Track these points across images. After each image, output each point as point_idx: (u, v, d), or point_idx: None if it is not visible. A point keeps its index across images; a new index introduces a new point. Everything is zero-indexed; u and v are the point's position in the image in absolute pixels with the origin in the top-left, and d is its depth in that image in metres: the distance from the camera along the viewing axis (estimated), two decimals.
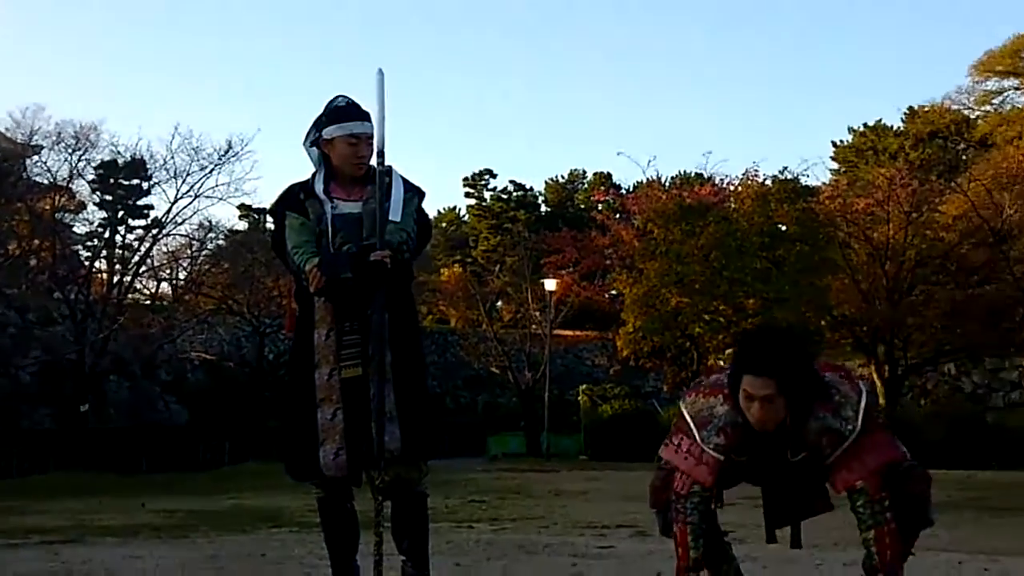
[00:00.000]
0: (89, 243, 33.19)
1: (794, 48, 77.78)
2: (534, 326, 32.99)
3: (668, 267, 23.69)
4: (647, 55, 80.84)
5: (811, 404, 2.98)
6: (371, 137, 3.42)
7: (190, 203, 28.54)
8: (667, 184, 30.61)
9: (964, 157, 38.56)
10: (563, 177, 56.71)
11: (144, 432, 28.63)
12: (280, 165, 47.16)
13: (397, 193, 3.40)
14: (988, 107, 38.67)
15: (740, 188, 25.39)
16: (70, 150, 27.77)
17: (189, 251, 31.04)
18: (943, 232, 25.64)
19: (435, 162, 70.47)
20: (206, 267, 31.74)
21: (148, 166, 31.45)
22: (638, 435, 25.19)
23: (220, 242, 32.52)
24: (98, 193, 32.72)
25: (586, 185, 55.11)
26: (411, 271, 3.54)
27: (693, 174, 34.14)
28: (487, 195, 54.38)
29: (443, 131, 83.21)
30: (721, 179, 27.32)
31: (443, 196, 72.17)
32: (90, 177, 30.91)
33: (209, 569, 4.51)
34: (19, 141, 28.11)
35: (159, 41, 75.13)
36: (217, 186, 28.48)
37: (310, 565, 4.49)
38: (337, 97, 3.49)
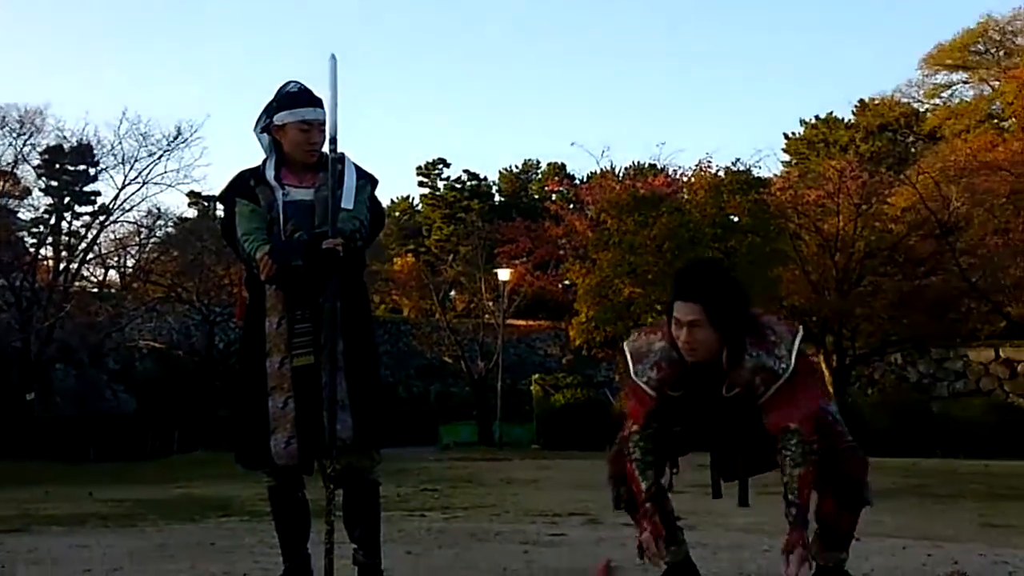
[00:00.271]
0: (35, 229, 32.56)
1: (747, 40, 78.60)
2: (487, 316, 33.01)
3: (621, 257, 23.82)
4: (601, 46, 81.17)
5: (745, 342, 3.00)
6: (323, 124, 3.39)
7: (138, 190, 28.19)
8: (621, 175, 30.77)
9: (913, 150, 39.27)
10: (517, 167, 56.77)
11: (91, 421, 28.20)
12: (230, 152, 46.60)
13: (350, 181, 3.38)
14: (937, 100, 39.39)
15: (693, 179, 25.61)
16: (14, 135, 27.27)
17: (137, 238, 30.62)
18: (891, 224, 26.12)
19: (388, 150, 70.14)
20: (155, 255, 31.31)
21: (95, 152, 30.96)
22: (590, 424, 25.39)
23: (169, 229, 32.12)
24: (43, 179, 32.09)
25: (540, 175, 55.21)
26: (364, 259, 3.52)
27: (647, 165, 34.39)
28: (441, 184, 54.23)
29: (397, 119, 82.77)
30: (674, 170, 27.52)
31: (396, 185, 71.84)
32: (35, 162, 30.36)
33: (158, 558, 4.46)
34: None
35: (106, 24, 73.66)
36: (166, 172, 28.17)
37: (260, 554, 4.47)
38: (288, 83, 3.45)
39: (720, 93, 79.80)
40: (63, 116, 66.47)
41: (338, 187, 3.33)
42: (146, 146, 27.73)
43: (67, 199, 33.15)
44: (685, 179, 26.37)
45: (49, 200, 32.93)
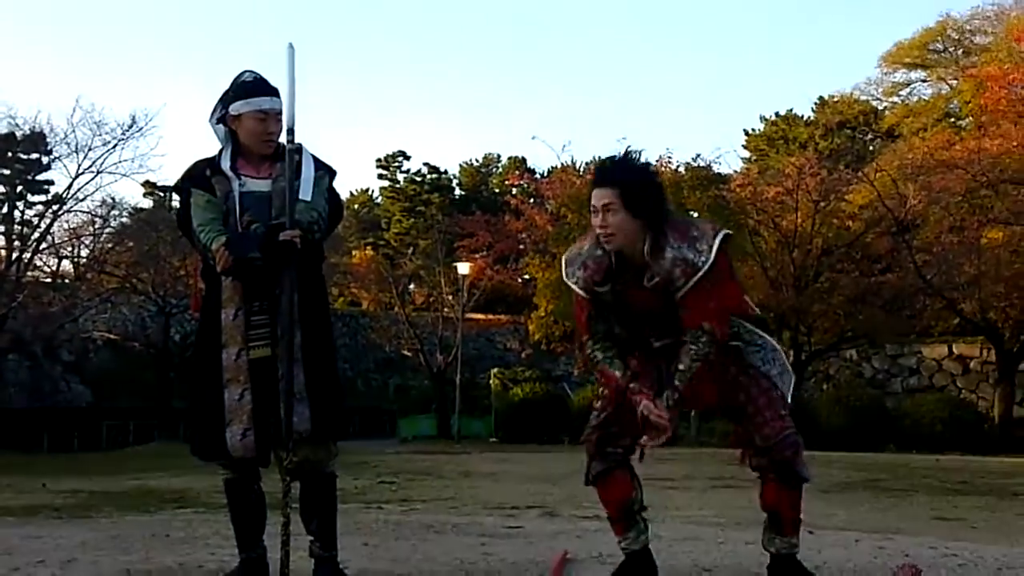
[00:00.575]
0: None
1: (709, 36, 79.20)
2: (446, 309, 32.99)
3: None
4: (561, 41, 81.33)
5: (667, 234, 3.07)
6: (280, 113, 3.35)
7: (92, 179, 27.77)
8: (581, 169, 30.86)
9: (871, 148, 39.76)
10: (478, 161, 56.71)
11: (45, 413, 27.80)
12: (186, 142, 46.06)
13: (307, 172, 3.35)
14: (896, 98, 39.95)
15: None
16: None
17: (92, 228, 30.16)
18: (849, 221, 26.47)
19: (348, 142, 69.73)
20: (109, 245, 30.86)
21: (48, 140, 30.38)
22: (548, 418, 25.46)
23: (124, 220, 31.69)
24: None
25: (500, 169, 55.19)
26: (321, 251, 3.50)
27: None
28: (400, 177, 53.99)
29: (356, 111, 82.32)
30: None
31: (356, 177, 71.53)
32: None
33: (112, 549, 4.41)
34: None
35: (58, 10, 72.33)
36: (121, 162, 27.76)
37: (216, 546, 4.43)
38: (244, 72, 3.41)
39: (681, 89, 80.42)
40: (14, 103, 65.15)
41: (296, 178, 3.30)
42: (100, 135, 27.35)
43: (19, 188, 32.54)
44: None
45: (1, 188, 32.31)
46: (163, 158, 49.39)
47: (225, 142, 3.41)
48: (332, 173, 3.49)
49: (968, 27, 36.39)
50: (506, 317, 35.34)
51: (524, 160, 53.01)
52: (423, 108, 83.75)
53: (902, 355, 28.18)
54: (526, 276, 30.45)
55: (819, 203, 25.15)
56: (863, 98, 41.41)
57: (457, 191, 54.57)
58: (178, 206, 3.54)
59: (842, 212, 26.41)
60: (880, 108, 41.12)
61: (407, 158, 54.31)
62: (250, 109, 3.34)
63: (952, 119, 35.01)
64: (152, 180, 34.92)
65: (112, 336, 31.87)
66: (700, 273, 3.04)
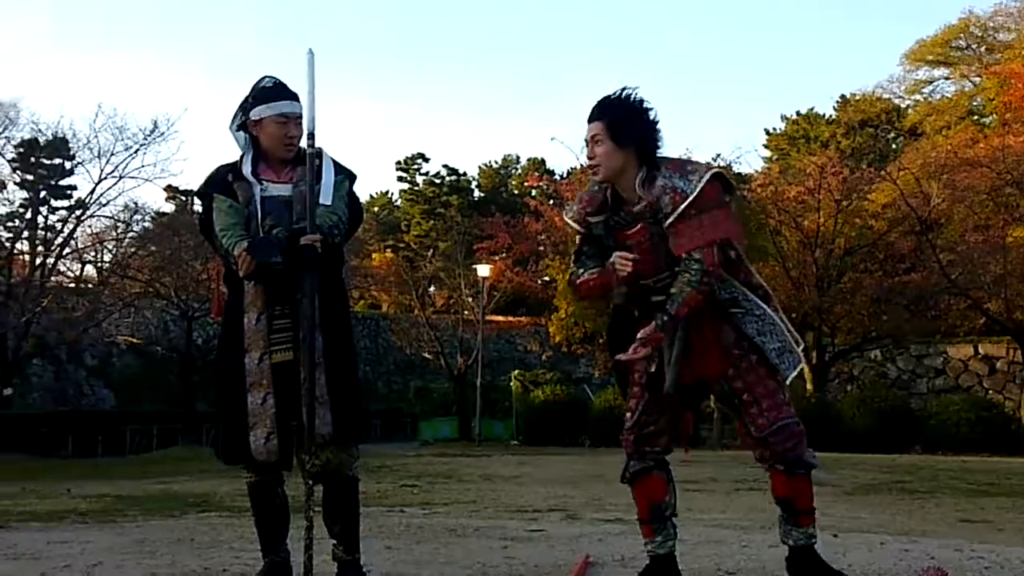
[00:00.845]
0: (10, 224, 32.22)
1: (728, 36, 78.88)
2: (467, 312, 33.01)
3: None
4: (579, 40, 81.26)
5: (661, 167, 3.12)
6: (300, 117, 3.37)
7: (115, 184, 28.01)
8: None
9: (894, 146, 39.51)
10: (496, 162, 56.73)
11: (69, 416, 28.02)
12: (207, 147, 46.38)
13: (328, 176, 3.36)
14: (918, 96, 39.64)
15: None
16: None
17: (114, 233, 30.43)
18: (872, 220, 26.26)
19: (367, 145, 69.94)
20: (132, 250, 31.11)
21: (71, 145, 30.70)
22: (570, 421, 25.41)
23: (147, 224, 31.96)
24: (19, 172, 31.77)
25: (519, 170, 55.21)
26: (342, 255, 3.51)
27: None
28: (420, 179, 54.09)
29: (376, 114, 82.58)
30: None
31: (375, 180, 71.78)
32: (10, 156, 30.10)
33: (137, 553, 4.44)
34: None
35: (81, 17, 72.98)
36: (143, 167, 28.00)
37: (240, 549, 4.45)
38: (264, 78, 3.43)
39: (701, 89, 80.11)
40: (37, 109, 65.97)
41: (316, 182, 3.32)
42: (122, 140, 27.59)
43: (43, 193, 32.85)
44: None
45: (24, 194, 32.63)
46: (184, 163, 49.85)
47: (246, 148, 3.44)
48: (352, 177, 3.50)
49: (991, 24, 36.08)
50: (526, 319, 35.32)
51: (543, 161, 53.00)
52: (441, 110, 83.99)
53: (927, 355, 27.94)
54: (546, 278, 30.40)
55: (841, 202, 24.97)
56: (885, 96, 41.15)
57: (476, 193, 54.62)
58: (200, 211, 3.57)
59: (865, 211, 26.21)
60: (903, 106, 40.84)
61: (426, 160, 54.45)
62: (271, 113, 3.36)
63: (975, 117, 34.72)
64: (174, 184, 35.26)
65: (135, 340, 32.11)
66: (688, 200, 3.04)
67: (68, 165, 31.95)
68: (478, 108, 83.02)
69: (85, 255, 31.26)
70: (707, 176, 3.09)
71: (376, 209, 53.37)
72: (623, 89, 3.20)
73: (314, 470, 3.30)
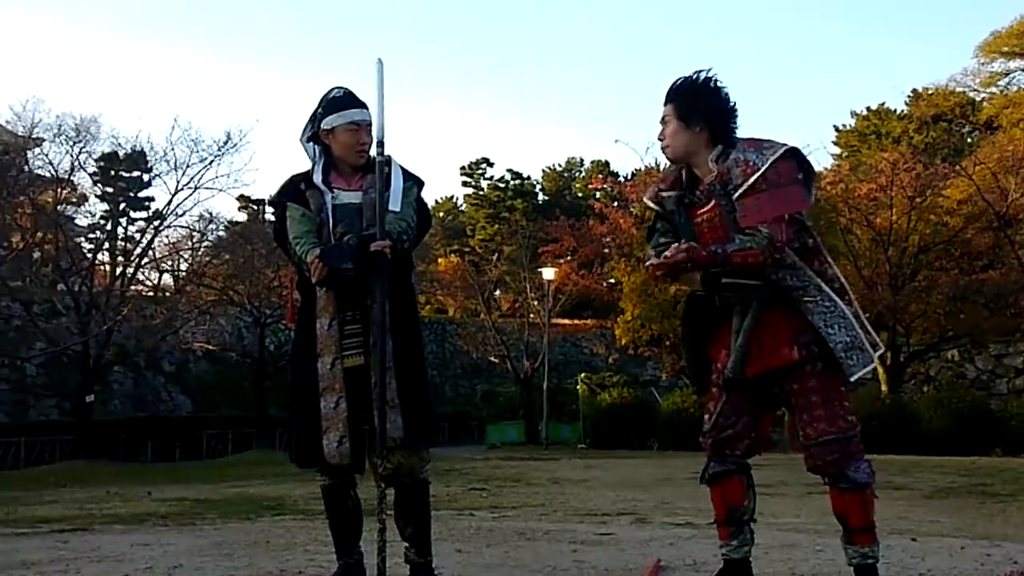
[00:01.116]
0: (91, 235, 33.30)
1: (795, 30, 77.67)
2: (532, 315, 33.02)
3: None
4: (642, 39, 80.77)
5: (738, 145, 3.11)
6: (371, 125, 3.44)
7: (190, 195, 28.63)
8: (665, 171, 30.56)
9: (969, 140, 38.43)
10: (560, 165, 56.71)
11: (148, 422, 28.78)
12: (278, 156, 47.24)
13: (397, 183, 3.43)
14: (994, 89, 38.46)
15: None
16: (71, 142, 27.86)
17: (190, 242, 31.14)
18: (947, 217, 25.56)
19: (433, 151, 70.47)
20: (207, 258, 31.82)
21: (148, 158, 31.55)
22: (637, 424, 25.24)
23: (220, 233, 32.64)
24: (99, 185, 32.81)
25: (583, 173, 55.10)
26: (411, 261, 3.57)
27: None
28: (484, 184, 54.35)
29: (441, 120, 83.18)
30: None
31: (441, 185, 72.25)
32: (91, 169, 31.01)
33: (216, 555, 4.55)
34: (20, 134, 28.15)
35: (157, 33, 75.00)
36: (217, 177, 28.57)
37: (315, 551, 4.53)
38: (333, 88, 3.51)
39: (767, 85, 79.00)
40: (117, 124, 68.00)
41: (385, 189, 3.38)
42: (197, 152, 28.18)
43: (122, 205, 33.87)
44: None
45: (105, 206, 33.67)
46: (256, 173, 50.82)
47: (317, 158, 3.51)
48: (420, 184, 3.56)
49: None
50: (592, 322, 35.18)
51: (607, 163, 52.82)
52: (505, 115, 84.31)
53: (1007, 355, 27.09)
54: (611, 280, 30.25)
55: (915, 199, 24.37)
56: (959, 90, 40.02)
57: (540, 196, 54.68)
58: (274, 220, 3.66)
59: (939, 208, 25.53)
60: (977, 99, 39.69)
61: (490, 165, 54.70)
62: (343, 122, 3.43)
63: None
64: (246, 194, 36.05)
65: (210, 347, 32.80)
66: (759, 172, 3.00)
67: (146, 177, 32.87)
68: (541, 112, 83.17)
69: (162, 264, 32.09)
70: (781, 151, 3.05)
71: (441, 214, 53.78)
72: (697, 71, 3.20)
73: (386, 473, 3.35)
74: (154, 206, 33.06)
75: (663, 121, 3.18)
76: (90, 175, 31.11)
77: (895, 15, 75.14)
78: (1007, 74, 37.94)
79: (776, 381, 3.13)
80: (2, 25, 70.17)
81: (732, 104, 3.17)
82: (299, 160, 3.58)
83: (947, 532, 5.79)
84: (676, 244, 3.04)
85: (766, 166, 3.01)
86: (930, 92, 41.41)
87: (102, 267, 30.81)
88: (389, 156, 3.44)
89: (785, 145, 3.09)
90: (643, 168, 31.60)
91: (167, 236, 30.32)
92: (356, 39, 76.77)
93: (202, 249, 31.83)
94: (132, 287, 28.76)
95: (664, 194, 3.27)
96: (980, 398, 24.01)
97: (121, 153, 32.00)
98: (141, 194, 34.26)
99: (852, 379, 3.10)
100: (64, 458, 23.85)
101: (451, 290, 39.25)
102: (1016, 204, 24.04)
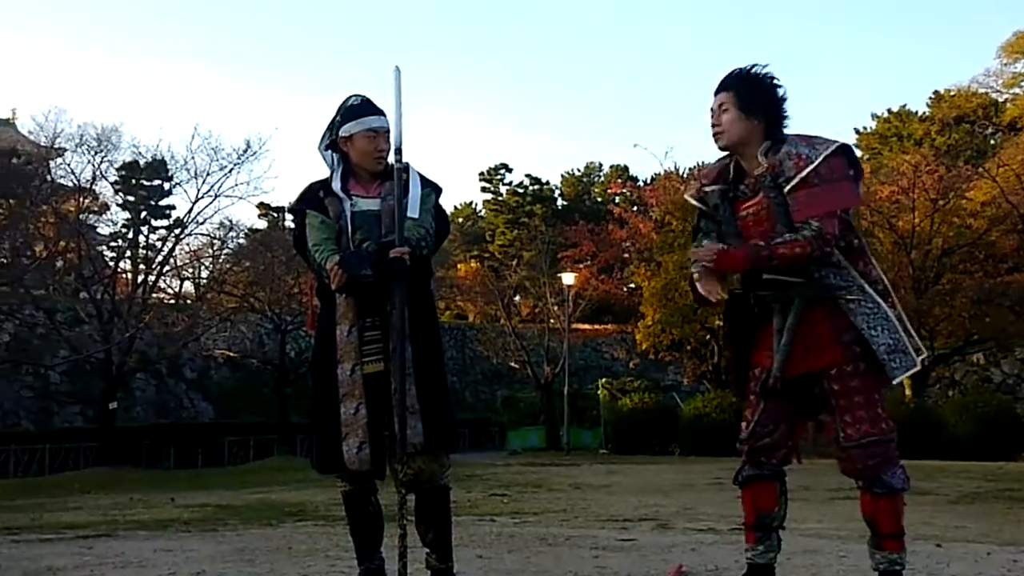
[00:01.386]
0: (113, 244, 33.58)
1: (814, 33, 77.33)
2: (552, 320, 33.01)
3: (687, 259, 23.49)
4: (660, 44, 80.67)
5: (788, 138, 3.10)
6: (388, 131, 3.45)
7: (211, 203, 28.82)
8: (685, 175, 30.49)
9: (992, 142, 38.11)
10: (579, 170, 56.71)
11: (171, 429, 28.97)
12: (297, 164, 47.49)
13: (415, 190, 3.44)
14: (1017, 90, 38.10)
15: None
16: (92, 152, 28.11)
17: (211, 250, 31.35)
18: (971, 219, 25.36)
19: (451, 157, 70.65)
20: (227, 266, 32.01)
21: (169, 167, 31.80)
22: (658, 429, 25.17)
23: (241, 241, 32.85)
24: (121, 194, 33.08)
25: (602, 178, 55.10)
26: (430, 267, 3.58)
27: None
28: (503, 190, 54.45)
29: (459, 126, 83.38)
30: None
31: (459, 191, 72.41)
32: (113, 178, 31.29)
33: (238, 561, 4.57)
34: (43, 144, 28.44)
35: (176, 43, 75.61)
36: (237, 185, 28.77)
37: (336, 557, 4.54)
38: (351, 97, 3.53)
39: (788, 87, 78.46)
40: (138, 134, 68.62)
41: (404, 196, 3.39)
42: (217, 160, 28.37)
43: (143, 213, 34.16)
44: None
45: (126, 215, 33.97)
46: (276, 180, 51.20)
47: (336, 166, 3.53)
48: (438, 190, 3.57)
49: None
50: (612, 327, 35.14)
51: (626, 168, 52.85)
52: (523, 120, 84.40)
53: None
54: (631, 285, 30.21)
55: (937, 201, 24.20)
56: (981, 91, 39.71)
57: (559, 201, 54.71)
58: (293, 227, 3.68)
59: (963, 210, 25.33)
60: (1000, 100, 39.35)
61: (509, 170, 54.81)
62: (361, 128, 3.45)
63: None
64: (266, 202, 36.16)
65: (231, 354, 32.97)
66: (812, 165, 3.00)
67: (167, 186, 33.15)
68: (559, 117, 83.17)
69: (184, 272, 32.32)
70: (833, 147, 3.06)
71: (460, 220, 53.92)
72: (753, 64, 3.19)
73: (406, 479, 3.35)
74: (175, 214, 33.38)
75: (721, 108, 3.15)
76: (112, 184, 31.42)
77: (915, 16, 74.69)
78: None
79: (817, 382, 3.11)
80: (25, 37, 71.00)
81: (786, 101, 3.18)
82: (318, 168, 3.61)
83: (973, 538, 5.73)
84: (706, 249, 3.08)
85: (819, 160, 3.01)
86: (952, 94, 41.13)
87: (124, 275, 31.07)
88: (407, 163, 3.45)
89: (837, 141, 3.10)
90: (662, 172, 31.58)
91: (188, 244, 30.55)
92: (374, 46, 77.16)
93: (222, 256, 32.03)
94: (154, 295, 28.96)
95: (707, 189, 3.25)
96: (1006, 402, 23.79)
97: (142, 162, 32.25)
98: (162, 202, 34.55)
99: (894, 382, 3.08)
100: (88, 465, 24.04)
101: (471, 296, 39.30)
102: None
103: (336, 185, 3.47)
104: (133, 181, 33.35)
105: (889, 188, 25.38)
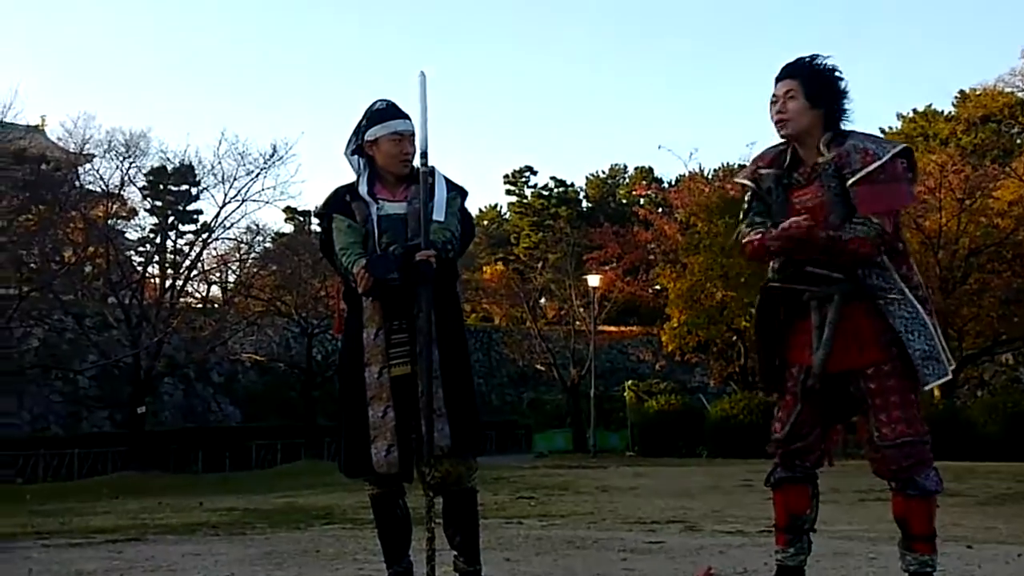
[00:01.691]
0: (141, 248, 33.87)
1: (839, 33, 76.78)
2: (578, 322, 32.96)
3: (712, 261, 23.50)
4: (686, 45, 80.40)
5: (849, 132, 3.11)
6: (413, 135, 3.47)
7: (238, 207, 29.02)
8: (709, 177, 30.41)
9: (1019, 141, 37.74)
10: (604, 172, 56.60)
11: (198, 433, 29.17)
12: (324, 168, 47.69)
13: (440, 193, 3.45)
14: None
15: None
16: (121, 158, 28.41)
17: (238, 254, 31.56)
18: (998, 219, 25.12)
19: (476, 160, 70.74)
20: (254, 270, 32.22)
21: (196, 172, 32.05)
22: (685, 431, 25.05)
23: (267, 245, 33.05)
24: (149, 199, 33.34)
25: (627, 180, 54.98)
26: (456, 270, 3.59)
27: (736, 166, 33.92)
28: (528, 192, 54.43)
29: (484, 129, 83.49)
30: None
31: (484, 194, 72.49)
32: (140, 184, 31.55)
33: (266, 564, 4.60)
34: (72, 150, 28.77)
35: (203, 49, 76.25)
36: (263, 190, 28.93)
37: (364, 560, 4.56)
38: (376, 101, 3.54)
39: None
40: (165, 139, 69.23)
41: (429, 199, 3.40)
42: (244, 165, 28.56)
43: (171, 218, 34.40)
44: None
45: (154, 220, 34.21)
46: (302, 184, 51.36)
47: (362, 170, 3.55)
48: (464, 194, 3.58)
49: None
50: (638, 328, 35.04)
51: (651, 170, 52.68)
52: (548, 123, 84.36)
53: None
54: (657, 287, 30.14)
55: (964, 201, 23.98)
56: (1007, 90, 39.29)
57: (584, 203, 54.64)
58: (320, 231, 3.70)
59: (990, 210, 25.09)
60: None
61: (534, 173, 54.79)
62: (386, 132, 3.47)
63: None
64: (293, 206, 36.44)
65: (259, 357, 33.16)
66: (880, 161, 3.01)
67: (194, 191, 33.37)
68: (584, 119, 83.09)
69: (211, 276, 32.55)
70: (900, 147, 3.09)
71: (486, 223, 53.95)
72: (815, 54, 3.20)
73: (434, 482, 3.36)
74: (202, 219, 33.58)
75: (787, 95, 3.13)
76: (140, 189, 31.69)
77: (941, 16, 73.99)
78: None
79: (852, 380, 3.09)
80: (52, 43, 71.88)
81: (849, 94, 3.19)
82: (344, 172, 3.63)
83: (1003, 539, 5.67)
84: (795, 219, 3.01)
85: (887, 157, 3.02)
86: (978, 93, 40.74)
87: (152, 280, 31.33)
88: (433, 167, 3.46)
89: (902, 144, 3.14)
90: (687, 174, 31.48)
91: (215, 248, 30.78)
92: (399, 48, 77.45)
93: (250, 261, 32.24)
94: (181, 299, 29.19)
95: (763, 171, 3.24)
96: None
97: (170, 167, 32.52)
98: (189, 207, 34.79)
99: (925, 388, 3.06)
100: (116, 469, 24.25)
101: (496, 298, 39.32)
102: None
103: (362, 189, 3.49)
104: (161, 186, 33.61)
105: (915, 188, 25.14)
